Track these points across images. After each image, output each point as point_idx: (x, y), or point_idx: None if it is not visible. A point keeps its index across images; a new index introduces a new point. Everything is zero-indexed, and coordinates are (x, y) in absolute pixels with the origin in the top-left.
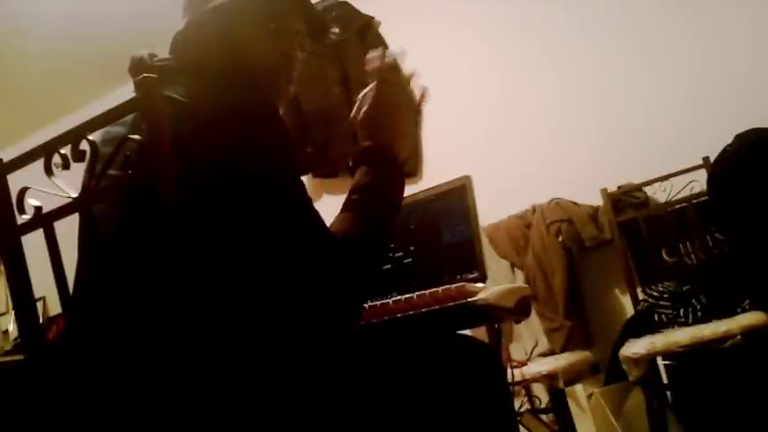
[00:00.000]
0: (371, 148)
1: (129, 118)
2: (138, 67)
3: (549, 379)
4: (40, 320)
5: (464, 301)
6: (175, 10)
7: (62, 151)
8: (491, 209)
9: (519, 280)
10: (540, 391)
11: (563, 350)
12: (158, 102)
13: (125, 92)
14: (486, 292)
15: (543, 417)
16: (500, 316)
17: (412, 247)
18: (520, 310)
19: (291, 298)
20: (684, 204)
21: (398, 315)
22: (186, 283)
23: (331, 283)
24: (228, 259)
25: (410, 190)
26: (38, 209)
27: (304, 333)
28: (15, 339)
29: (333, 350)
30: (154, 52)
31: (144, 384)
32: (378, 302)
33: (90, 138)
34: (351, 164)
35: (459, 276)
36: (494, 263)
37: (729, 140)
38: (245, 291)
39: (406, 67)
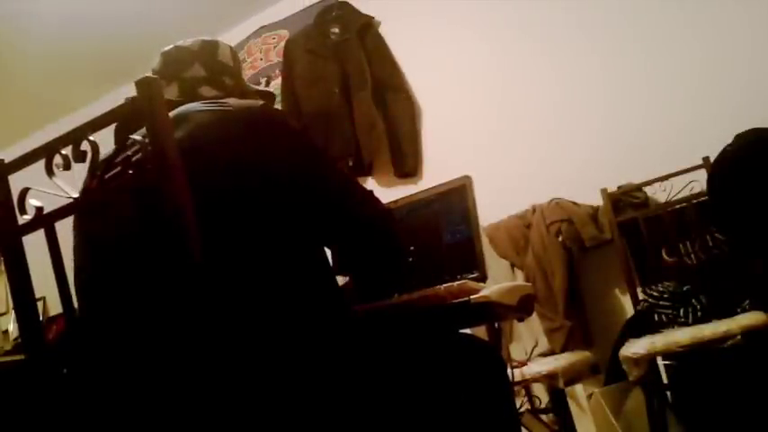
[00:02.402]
0: None
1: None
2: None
3: (549, 379)
4: (41, 320)
5: (466, 298)
6: (175, 11)
7: (63, 152)
8: (491, 209)
9: (519, 280)
10: (540, 391)
11: (563, 350)
12: (159, 103)
13: (125, 92)
14: (488, 289)
15: (543, 417)
16: (503, 313)
17: (412, 247)
18: (523, 308)
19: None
20: (684, 204)
21: (401, 313)
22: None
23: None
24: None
25: (410, 190)
26: (39, 209)
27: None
28: (15, 339)
29: (337, 348)
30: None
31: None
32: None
33: (91, 138)
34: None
35: (459, 276)
36: (494, 263)
37: (729, 140)
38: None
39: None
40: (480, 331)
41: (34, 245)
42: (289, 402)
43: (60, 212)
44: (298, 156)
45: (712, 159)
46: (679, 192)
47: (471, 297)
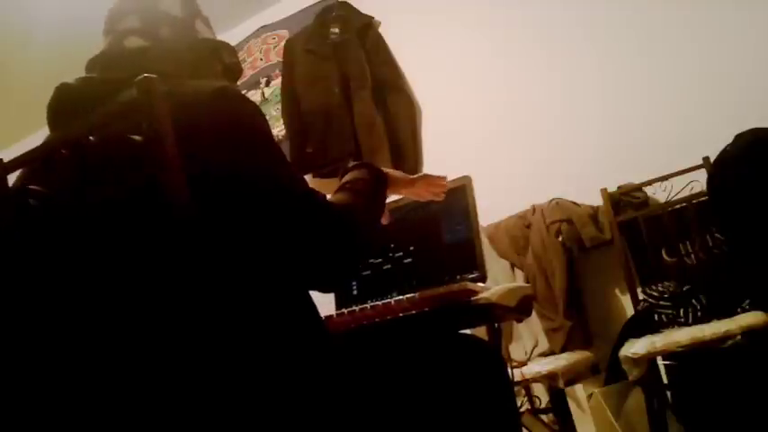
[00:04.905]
0: (367, 163)
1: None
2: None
3: (549, 379)
4: None
5: (466, 299)
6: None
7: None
8: (491, 209)
9: (519, 280)
10: (540, 391)
11: (563, 350)
12: (159, 101)
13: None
14: (488, 291)
15: (543, 417)
16: (501, 315)
17: (412, 247)
18: (521, 309)
19: (296, 261)
20: (684, 204)
21: (401, 314)
22: (190, 277)
23: (332, 245)
24: (237, 246)
25: None
26: None
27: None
28: None
29: (336, 349)
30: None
31: (146, 380)
32: (380, 302)
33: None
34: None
35: (459, 276)
36: (494, 263)
37: (729, 140)
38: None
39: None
40: (480, 331)
41: None
42: (287, 404)
43: None
44: (243, 151)
45: (712, 159)
46: (679, 192)
47: (471, 298)
